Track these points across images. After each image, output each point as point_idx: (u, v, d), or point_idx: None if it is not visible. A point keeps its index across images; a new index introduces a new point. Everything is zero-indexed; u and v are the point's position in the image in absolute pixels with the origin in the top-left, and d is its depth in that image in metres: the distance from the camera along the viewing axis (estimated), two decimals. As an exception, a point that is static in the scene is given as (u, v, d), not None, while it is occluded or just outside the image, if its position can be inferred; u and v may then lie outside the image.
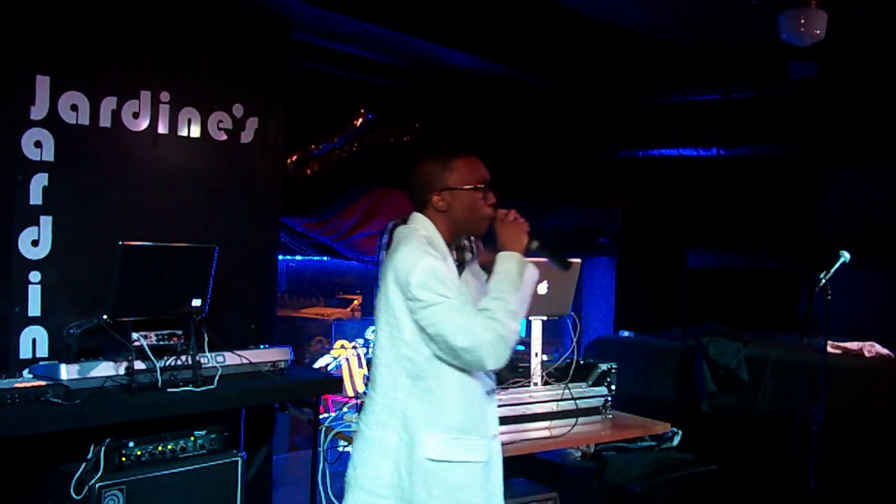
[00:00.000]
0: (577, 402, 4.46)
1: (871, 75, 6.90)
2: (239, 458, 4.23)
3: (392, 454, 2.99)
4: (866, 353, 6.34)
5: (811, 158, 7.69)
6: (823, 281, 5.01)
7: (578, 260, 4.07)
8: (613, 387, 4.68)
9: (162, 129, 4.75)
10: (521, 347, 4.27)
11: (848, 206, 8.13)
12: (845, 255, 5.07)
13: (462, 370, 2.96)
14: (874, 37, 6.52)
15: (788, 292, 8.33)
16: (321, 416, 4.68)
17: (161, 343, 4.10)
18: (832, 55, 6.63)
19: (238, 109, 5.08)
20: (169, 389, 4.02)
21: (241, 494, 4.22)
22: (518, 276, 2.96)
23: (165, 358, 4.08)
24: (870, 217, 7.94)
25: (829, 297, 5.02)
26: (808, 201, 8.36)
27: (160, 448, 4.00)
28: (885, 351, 6.38)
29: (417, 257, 2.92)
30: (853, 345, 6.45)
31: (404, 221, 5.27)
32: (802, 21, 5.30)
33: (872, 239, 7.69)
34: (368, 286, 10.18)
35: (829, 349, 5.47)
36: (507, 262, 2.99)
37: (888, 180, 7.91)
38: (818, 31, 5.33)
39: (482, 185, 3.07)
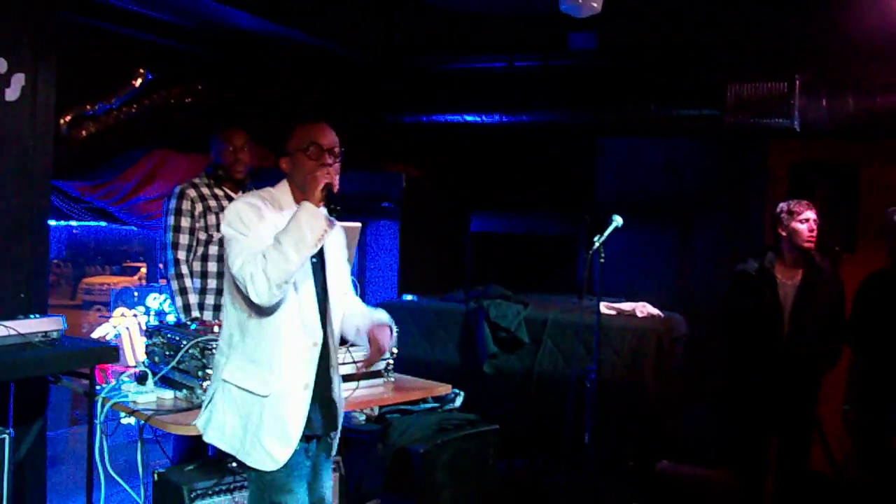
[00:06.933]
0: (358, 365, 4.47)
1: (647, 49, 7.22)
2: (6, 436, 4.00)
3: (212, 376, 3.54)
4: (638, 314, 6.68)
5: (590, 127, 7.93)
6: (597, 244, 5.24)
7: (359, 224, 4.08)
8: (395, 350, 4.73)
9: (-84, 85, 4.43)
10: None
11: (624, 174, 8.51)
12: (618, 220, 5.31)
13: (277, 310, 3.29)
14: (650, 11, 6.79)
15: (568, 256, 8.62)
16: (98, 387, 4.51)
17: (-83, 314, 3.85)
18: (611, 28, 6.87)
19: (1, 64, 4.78)
20: (-75, 364, 3.78)
21: (8, 475, 3.98)
22: (301, 226, 3.16)
23: (-78, 330, 3.82)
24: (644, 185, 8.33)
25: (603, 261, 5.26)
26: (588, 169, 8.70)
27: (-86, 429, 3.75)
28: (655, 311, 6.75)
29: (234, 202, 3.31)
30: (626, 305, 6.78)
31: (192, 185, 5.26)
32: (580, -7, 5.46)
33: (646, 206, 8.09)
34: (153, 253, 9.86)
35: (604, 310, 5.74)
36: (299, 210, 3.22)
37: (661, 150, 8.32)
38: (595, 4, 5.49)
39: (309, 148, 3.33)
